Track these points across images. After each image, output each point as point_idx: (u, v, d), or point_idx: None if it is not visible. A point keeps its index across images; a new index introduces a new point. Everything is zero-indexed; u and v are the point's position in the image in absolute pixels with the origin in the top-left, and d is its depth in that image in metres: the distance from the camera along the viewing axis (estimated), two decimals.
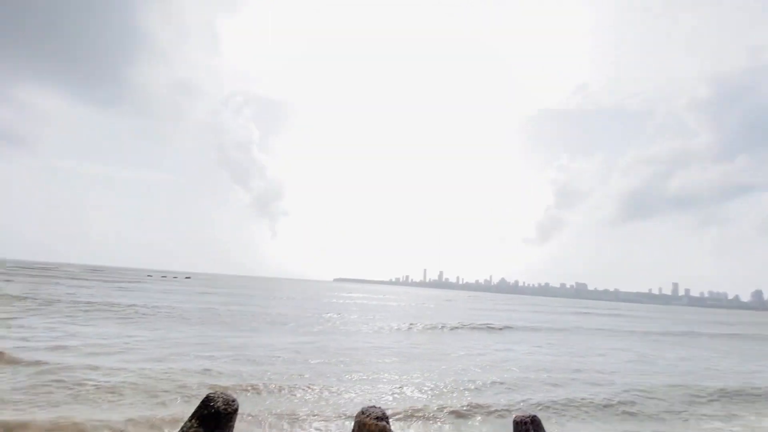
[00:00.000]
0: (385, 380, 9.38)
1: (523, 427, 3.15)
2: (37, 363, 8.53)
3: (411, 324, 22.04)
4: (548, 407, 7.84)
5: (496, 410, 7.41)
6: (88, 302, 22.20)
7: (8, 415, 5.61)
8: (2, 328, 13.12)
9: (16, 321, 14.68)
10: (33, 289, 28.05)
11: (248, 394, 7.37)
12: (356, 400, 7.51)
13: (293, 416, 6.49)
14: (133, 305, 22.27)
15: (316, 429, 6.12)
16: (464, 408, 7.34)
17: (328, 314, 26.20)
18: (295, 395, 7.69)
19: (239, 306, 27.67)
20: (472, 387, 9.06)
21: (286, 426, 6.14)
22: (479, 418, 7.09)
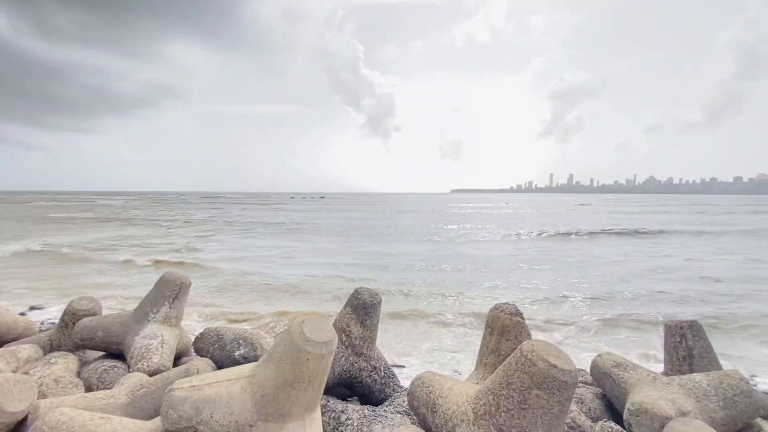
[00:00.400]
0: (519, 287, 9.39)
1: (678, 331, 2.86)
2: (222, 271, 11.17)
3: (540, 231, 20.68)
4: (719, 320, 6.85)
5: (649, 321, 6.81)
6: (252, 222, 27.59)
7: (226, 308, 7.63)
8: (199, 244, 17.23)
9: (206, 239, 19.07)
10: (213, 215, 35.84)
11: (390, 293, 8.41)
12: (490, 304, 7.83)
13: (430, 313, 7.21)
14: (285, 222, 26.98)
15: (452, 322, 6.71)
16: (612, 317, 6.85)
17: (450, 225, 26.80)
18: (432, 297, 8.45)
19: (369, 220, 30.61)
20: (619, 297, 8.30)
21: (422, 323, 6.89)
22: (628, 328, 6.63)
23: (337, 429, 2.20)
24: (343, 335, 2.75)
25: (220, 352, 2.76)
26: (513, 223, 28.18)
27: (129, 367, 2.69)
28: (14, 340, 3.19)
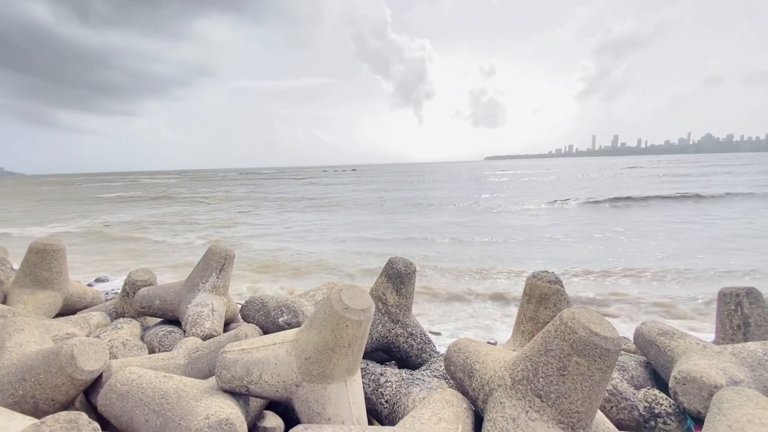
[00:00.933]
0: (562, 259, 9.10)
1: (734, 299, 2.70)
2: (262, 246, 11.67)
3: (587, 198, 19.01)
4: None
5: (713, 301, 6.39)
6: (287, 198, 28.41)
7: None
8: (241, 219, 18.02)
9: (247, 214, 19.89)
10: (250, 191, 37.21)
11: (429, 268, 8.49)
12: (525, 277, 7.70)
13: (464, 289, 7.22)
14: (317, 197, 27.61)
15: (486, 295, 6.71)
16: (663, 298, 6.53)
17: (485, 195, 26.17)
18: (470, 272, 8.43)
19: (404, 191, 30.51)
20: (676, 270, 7.75)
21: (459, 296, 6.91)
22: (688, 303, 6.28)
23: (377, 390, 2.30)
24: (379, 303, 2.82)
25: (265, 318, 2.93)
26: (556, 190, 26.66)
27: (184, 332, 2.92)
28: (85, 308, 3.54)
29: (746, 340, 2.55)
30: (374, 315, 2.79)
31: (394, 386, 2.28)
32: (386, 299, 2.81)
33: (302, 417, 1.77)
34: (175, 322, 3.17)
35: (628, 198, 18.54)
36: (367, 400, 2.27)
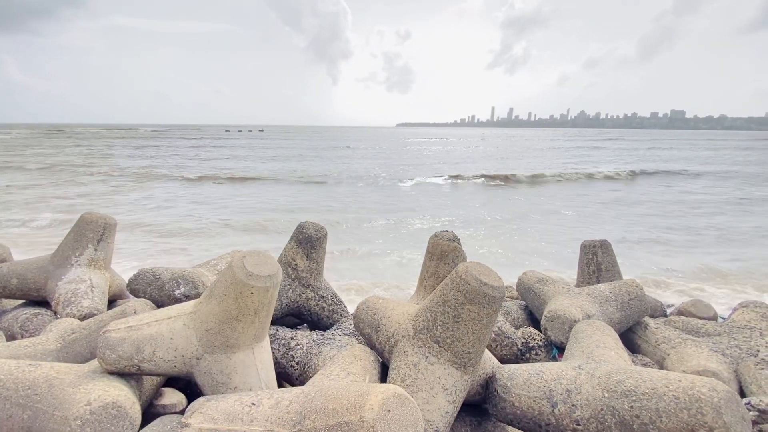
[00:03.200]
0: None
1: (591, 249, 3.26)
2: (153, 221, 10.45)
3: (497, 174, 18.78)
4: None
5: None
6: (179, 165, 24.49)
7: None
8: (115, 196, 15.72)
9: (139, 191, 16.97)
10: (114, 153, 29.90)
11: (333, 228, 8.51)
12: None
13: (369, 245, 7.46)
14: (220, 162, 24.93)
15: (392, 249, 7.05)
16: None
17: (407, 165, 25.62)
18: (373, 230, 8.67)
19: (318, 160, 27.55)
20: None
21: (364, 248, 7.13)
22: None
23: (288, 354, 2.30)
24: (289, 269, 2.76)
25: (158, 292, 2.67)
26: (462, 163, 27.21)
27: (56, 313, 2.52)
28: None
29: (599, 282, 3.12)
30: (283, 281, 2.73)
31: (305, 348, 2.30)
32: (296, 264, 2.77)
33: (205, 389, 1.69)
34: (43, 303, 2.71)
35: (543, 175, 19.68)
36: (278, 364, 2.26)
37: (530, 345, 2.53)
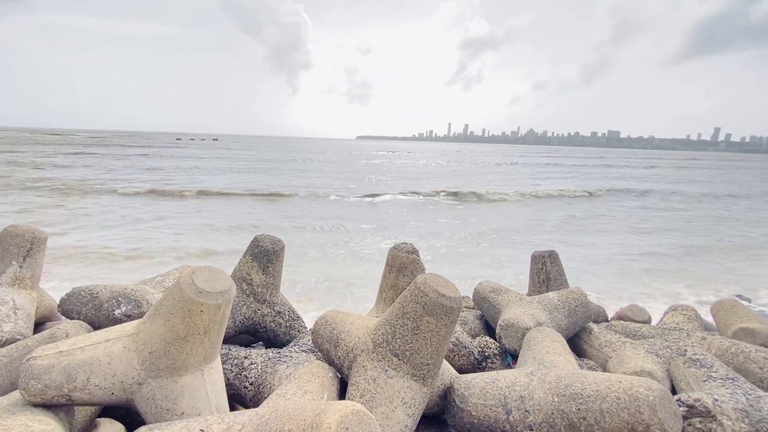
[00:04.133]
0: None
1: (541, 259, 3.43)
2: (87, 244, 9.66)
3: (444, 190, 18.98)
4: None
5: None
6: (118, 178, 22.90)
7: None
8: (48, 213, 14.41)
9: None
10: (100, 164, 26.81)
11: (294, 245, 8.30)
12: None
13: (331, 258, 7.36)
14: (169, 173, 23.37)
15: (354, 259, 6.99)
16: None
17: (371, 176, 25.34)
18: (338, 242, 8.57)
19: (277, 175, 25.31)
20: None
21: (324, 262, 7.03)
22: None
23: (241, 374, 2.19)
24: (243, 284, 2.65)
25: (96, 312, 2.45)
26: (428, 178, 26.70)
27: None
28: None
29: (548, 291, 3.29)
30: (237, 297, 2.62)
31: (259, 367, 2.21)
32: (251, 279, 2.66)
33: (148, 417, 1.56)
34: None
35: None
36: (230, 386, 2.15)
37: (486, 354, 2.60)
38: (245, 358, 2.25)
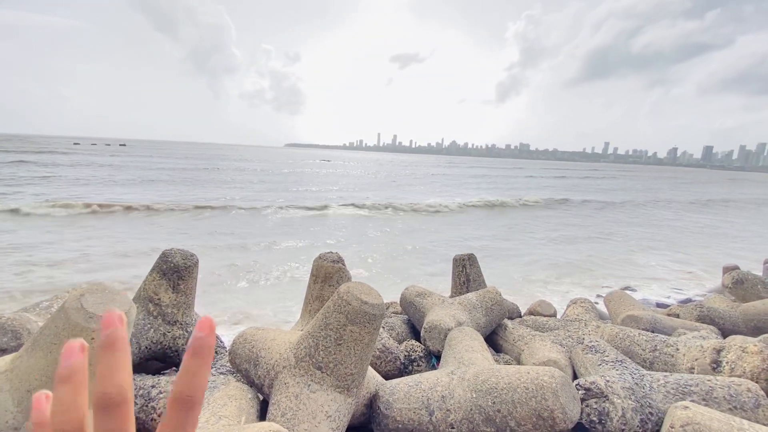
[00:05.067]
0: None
1: (461, 262, 3.63)
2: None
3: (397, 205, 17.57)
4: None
5: None
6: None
7: None
8: None
9: None
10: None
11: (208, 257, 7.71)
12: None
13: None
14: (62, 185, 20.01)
15: (274, 278, 6.72)
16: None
17: (308, 187, 24.22)
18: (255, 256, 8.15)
19: (207, 189, 21.06)
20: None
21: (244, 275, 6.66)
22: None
23: (147, 405, 1.97)
24: (150, 304, 2.40)
25: None
26: (366, 189, 25.40)
27: None
28: None
29: (468, 291, 3.48)
30: (142, 319, 2.36)
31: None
32: (159, 299, 2.42)
33: None
34: None
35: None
36: (136, 420, 1.91)
37: (412, 357, 2.66)
38: (152, 387, 2.03)
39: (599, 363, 2.49)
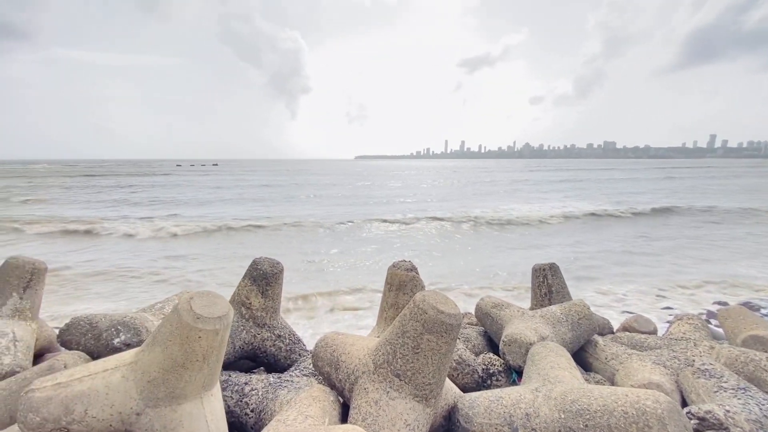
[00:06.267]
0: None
1: (542, 272, 3.42)
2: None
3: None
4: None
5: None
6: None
7: None
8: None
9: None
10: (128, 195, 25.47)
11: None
12: None
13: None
14: (174, 201, 22.69)
15: (350, 288, 6.94)
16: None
17: (393, 200, 23.35)
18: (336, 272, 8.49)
19: (297, 206, 21.38)
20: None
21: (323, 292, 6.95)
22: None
23: (241, 401, 2.15)
24: (242, 308, 2.64)
25: (95, 342, 2.43)
26: (455, 200, 23.83)
27: None
28: None
29: (550, 304, 3.26)
30: (236, 321, 2.60)
31: (260, 393, 2.17)
32: (250, 303, 2.65)
33: None
34: None
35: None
36: (231, 413, 2.11)
37: (490, 371, 2.55)
38: (245, 384, 2.22)
39: (715, 389, 2.15)
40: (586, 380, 2.52)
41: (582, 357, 2.85)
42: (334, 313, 5.90)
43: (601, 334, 3.35)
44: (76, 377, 1.53)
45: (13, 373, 2.20)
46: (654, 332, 3.46)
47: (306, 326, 5.24)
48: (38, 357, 2.63)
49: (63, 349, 2.67)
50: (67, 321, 2.60)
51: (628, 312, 5.60)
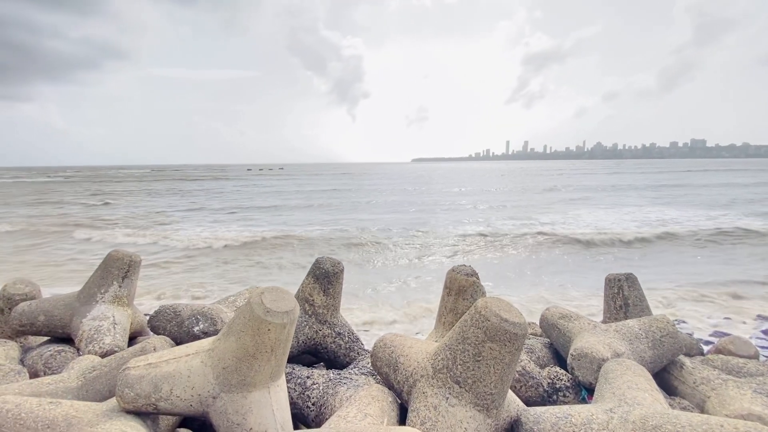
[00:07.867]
0: None
1: (617, 283, 3.14)
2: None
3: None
4: None
5: None
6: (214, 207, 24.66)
7: None
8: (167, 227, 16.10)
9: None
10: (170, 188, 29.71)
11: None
12: None
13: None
14: (253, 203, 24.59)
15: (412, 281, 6.92)
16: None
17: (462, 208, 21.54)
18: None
19: (356, 214, 20.36)
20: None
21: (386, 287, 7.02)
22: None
23: (304, 393, 2.25)
24: (306, 304, 2.76)
25: (178, 329, 2.69)
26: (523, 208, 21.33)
27: (78, 350, 2.56)
28: None
29: (627, 318, 2.98)
30: (300, 317, 2.72)
31: (321, 388, 2.25)
32: (313, 300, 2.76)
33: (221, 430, 1.66)
34: (67, 340, 2.76)
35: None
36: (293, 405, 2.21)
37: (557, 386, 2.40)
38: (308, 377, 2.31)
39: None
40: (670, 405, 2.26)
41: (665, 379, 2.56)
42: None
43: (689, 356, 2.99)
44: (164, 359, 1.71)
45: (112, 352, 2.51)
46: (755, 357, 3.01)
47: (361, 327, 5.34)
48: (131, 339, 2.97)
49: (152, 333, 2.99)
50: (156, 308, 2.91)
51: (720, 333, 4.94)
